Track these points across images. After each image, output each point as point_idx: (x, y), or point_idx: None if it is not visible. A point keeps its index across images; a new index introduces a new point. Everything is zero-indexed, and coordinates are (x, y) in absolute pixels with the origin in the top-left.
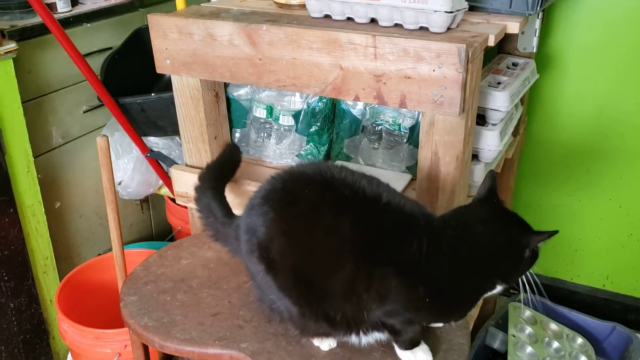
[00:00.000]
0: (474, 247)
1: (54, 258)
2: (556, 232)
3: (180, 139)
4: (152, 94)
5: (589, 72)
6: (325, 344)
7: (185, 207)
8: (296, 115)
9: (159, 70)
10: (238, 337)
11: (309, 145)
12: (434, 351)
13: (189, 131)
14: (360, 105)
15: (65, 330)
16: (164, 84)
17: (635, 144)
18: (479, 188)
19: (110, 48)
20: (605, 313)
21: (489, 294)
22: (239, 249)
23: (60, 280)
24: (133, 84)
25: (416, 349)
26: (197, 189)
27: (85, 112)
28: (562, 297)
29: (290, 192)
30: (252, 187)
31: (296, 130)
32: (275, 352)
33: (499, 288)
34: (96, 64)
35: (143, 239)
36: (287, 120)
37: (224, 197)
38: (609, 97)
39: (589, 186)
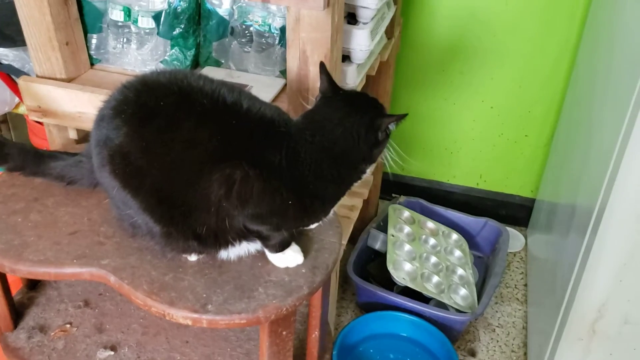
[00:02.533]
0: (332, 147)
1: None
2: (406, 115)
3: None
4: None
5: None
6: (194, 256)
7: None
8: (157, 17)
9: None
10: (98, 254)
11: (173, 50)
12: (305, 252)
13: (35, 37)
14: (226, 4)
15: None
16: None
17: (505, 45)
18: (320, 85)
19: None
20: (479, 210)
21: (356, 184)
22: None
23: None
24: None
25: (287, 250)
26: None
27: None
28: (439, 197)
29: (145, 105)
30: (96, 98)
31: (158, 34)
32: (140, 266)
33: (363, 176)
34: None
35: None
36: (147, 23)
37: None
38: None
39: (463, 88)
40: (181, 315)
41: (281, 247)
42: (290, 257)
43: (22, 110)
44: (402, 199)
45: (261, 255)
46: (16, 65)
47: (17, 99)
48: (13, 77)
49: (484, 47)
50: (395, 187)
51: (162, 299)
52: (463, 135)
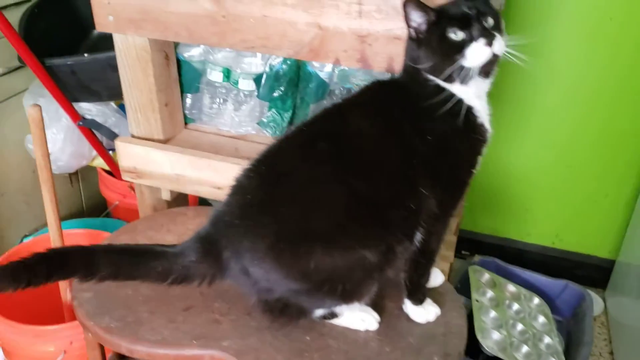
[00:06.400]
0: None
1: None
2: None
3: (115, 104)
4: (85, 55)
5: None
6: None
7: (124, 180)
8: (257, 79)
9: (99, 29)
10: (217, 334)
11: (271, 112)
12: (432, 336)
13: (135, 98)
14: (328, 67)
15: None
16: (92, 42)
17: (587, 105)
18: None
19: (29, 0)
20: (554, 270)
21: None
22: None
23: None
24: (56, 43)
25: (425, 304)
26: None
27: (2, 75)
28: (513, 256)
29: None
30: (209, 160)
31: (257, 96)
32: (262, 349)
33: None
34: (12, 19)
35: (73, 216)
36: (247, 85)
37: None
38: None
39: (541, 146)
40: None
41: (423, 296)
42: (431, 310)
43: (95, 163)
44: (477, 258)
45: (388, 338)
46: (99, 120)
47: (94, 153)
48: (94, 131)
49: (565, 107)
50: (466, 244)
51: None
52: (539, 192)
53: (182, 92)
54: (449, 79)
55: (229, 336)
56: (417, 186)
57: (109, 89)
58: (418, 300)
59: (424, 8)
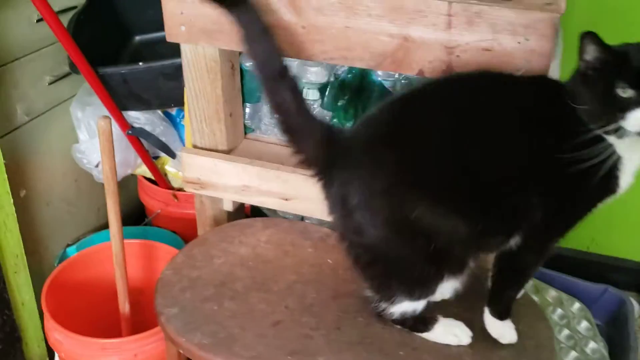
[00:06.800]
0: None
1: (24, 255)
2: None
3: (162, 112)
4: (140, 63)
5: None
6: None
7: (166, 188)
8: (322, 89)
9: (169, 39)
10: (311, 349)
11: (334, 121)
12: (524, 350)
13: (202, 109)
14: (394, 76)
15: (60, 342)
16: (134, 49)
17: None
18: None
19: (75, 7)
20: (589, 274)
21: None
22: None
23: (32, 280)
24: (100, 50)
25: (506, 323)
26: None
27: (50, 83)
28: (548, 260)
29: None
30: (277, 172)
31: (321, 105)
32: None
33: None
34: None
35: None
36: (312, 95)
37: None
38: None
39: None
40: None
41: (506, 313)
42: (507, 332)
43: (138, 171)
44: None
45: (480, 352)
46: (147, 128)
47: (139, 161)
48: (141, 140)
49: None
50: None
51: None
52: None
53: (243, 101)
54: (603, 130)
55: (323, 351)
56: (530, 193)
57: (160, 97)
58: (497, 313)
59: (602, 45)
